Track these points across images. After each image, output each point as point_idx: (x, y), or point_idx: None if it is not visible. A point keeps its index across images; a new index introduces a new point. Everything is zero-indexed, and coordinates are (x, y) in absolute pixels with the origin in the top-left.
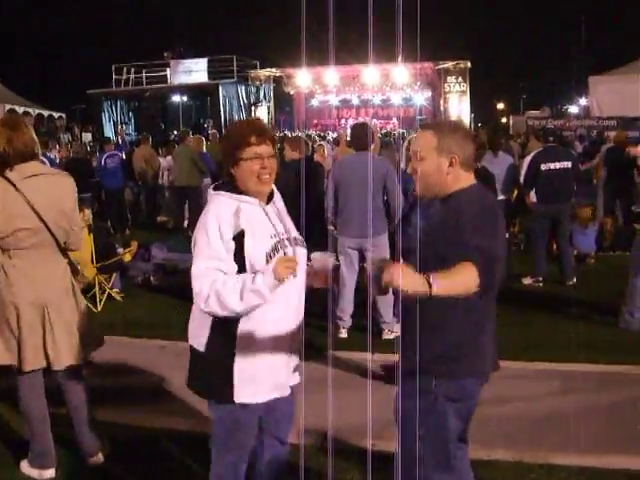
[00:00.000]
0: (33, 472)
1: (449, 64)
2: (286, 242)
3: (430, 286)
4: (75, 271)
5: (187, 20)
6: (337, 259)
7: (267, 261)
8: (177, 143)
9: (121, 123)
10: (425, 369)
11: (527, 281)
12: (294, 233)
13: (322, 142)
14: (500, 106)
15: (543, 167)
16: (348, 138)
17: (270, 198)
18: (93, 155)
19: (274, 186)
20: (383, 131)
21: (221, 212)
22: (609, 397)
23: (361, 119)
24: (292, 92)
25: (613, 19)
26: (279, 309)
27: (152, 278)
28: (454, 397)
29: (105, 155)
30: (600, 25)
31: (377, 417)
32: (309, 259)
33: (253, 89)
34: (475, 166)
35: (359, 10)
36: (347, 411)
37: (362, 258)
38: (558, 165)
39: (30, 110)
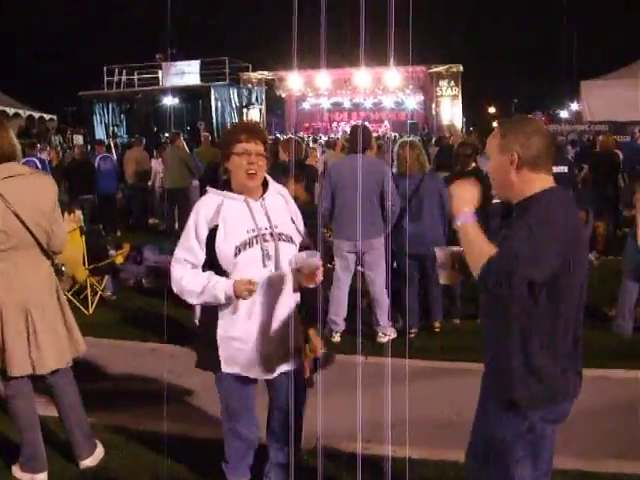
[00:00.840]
0: (25, 476)
1: (441, 68)
2: (268, 237)
3: (463, 219)
4: (59, 273)
5: (180, 22)
6: (331, 262)
7: (235, 254)
8: (168, 145)
9: (112, 125)
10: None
11: None
12: (282, 229)
13: (314, 145)
14: (492, 110)
15: None
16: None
17: (263, 194)
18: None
19: (273, 183)
20: (375, 135)
21: (202, 208)
22: (603, 401)
23: (353, 122)
24: (284, 95)
25: (606, 24)
26: (263, 293)
27: (144, 281)
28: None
29: (98, 157)
30: (593, 30)
31: (368, 420)
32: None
33: (245, 92)
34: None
35: (351, 13)
36: (338, 414)
37: (358, 261)
38: (555, 169)
39: (21, 111)
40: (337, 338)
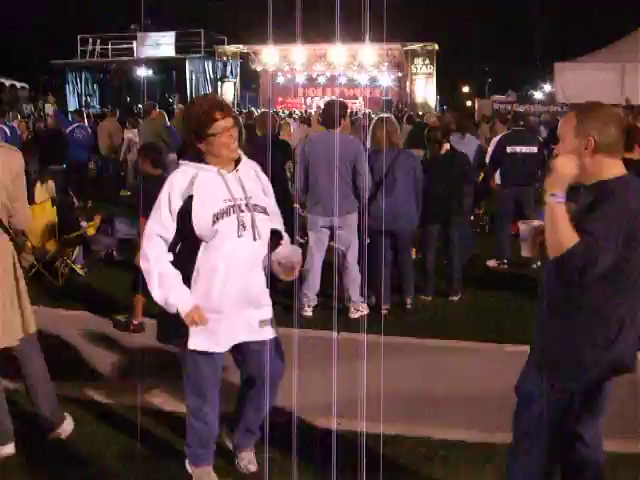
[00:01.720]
0: None
1: (416, 46)
2: (243, 207)
3: (555, 198)
4: (19, 249)
5: None
6: (304, 237)
7: (213, 222)
8: (142, 117)
9: (85, 95)
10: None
11: (492, 263)
12: (256, 200)
13: (288, 119)
14: (466, 89)
15: (509, 149)
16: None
17: (236, 165)
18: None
19: (241, 152)
20: (349, 111)
21: (175, 181)
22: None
23: (327, 98)
24: (259, 69)
25: (580, 7)
26: (238, 263)
27: (115, 253)
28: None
29: (74, 126)
30: (567, 12)
31: (340, 396)
32: (275, 246)
33: (220, 65)
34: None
35: None
36: (312, 389)
37: (331, 236)
38: (524, 149)
39: None
40: (309, 312)
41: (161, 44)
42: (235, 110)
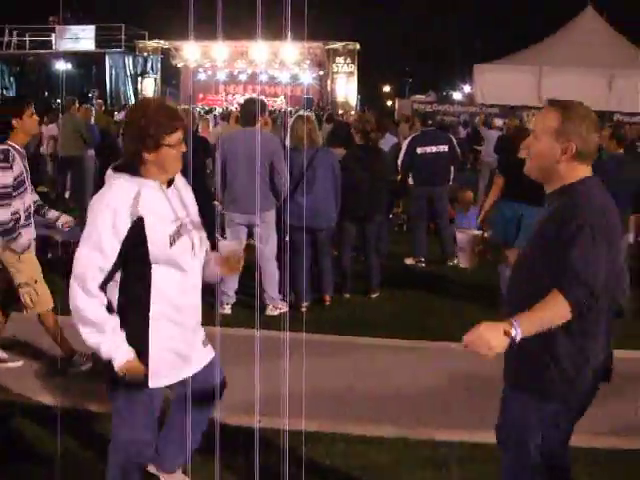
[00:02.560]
0: None
1: (338, 45)
2: (189, 226)
3: (513, 337)
4: None
5: None
6: (222, 234)
7: (170, 244)
8: (61, 112)
9: (1, 88)
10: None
11: (409, 261)
12: (194, 216)
13: (206, 116)
14: (387, 89)
15: (419, 150)
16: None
17: (171, 181)
18: None
19: None
20: (270, 109)
21: (118, 200)
22: (494, 374)
23: (248, 95)
24: (180, 65)
25: (499, 10)
26: (192, 286)
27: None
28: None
29: None
30: (487, 15)
31: (260, 393)
32: (214, 246)
33: (140, 60)
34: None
35: None
36: (231, 388)
37: (250, 234)
38: (434, 149)
39: None
40: (227, 310)
41: (81, 38)
42: None
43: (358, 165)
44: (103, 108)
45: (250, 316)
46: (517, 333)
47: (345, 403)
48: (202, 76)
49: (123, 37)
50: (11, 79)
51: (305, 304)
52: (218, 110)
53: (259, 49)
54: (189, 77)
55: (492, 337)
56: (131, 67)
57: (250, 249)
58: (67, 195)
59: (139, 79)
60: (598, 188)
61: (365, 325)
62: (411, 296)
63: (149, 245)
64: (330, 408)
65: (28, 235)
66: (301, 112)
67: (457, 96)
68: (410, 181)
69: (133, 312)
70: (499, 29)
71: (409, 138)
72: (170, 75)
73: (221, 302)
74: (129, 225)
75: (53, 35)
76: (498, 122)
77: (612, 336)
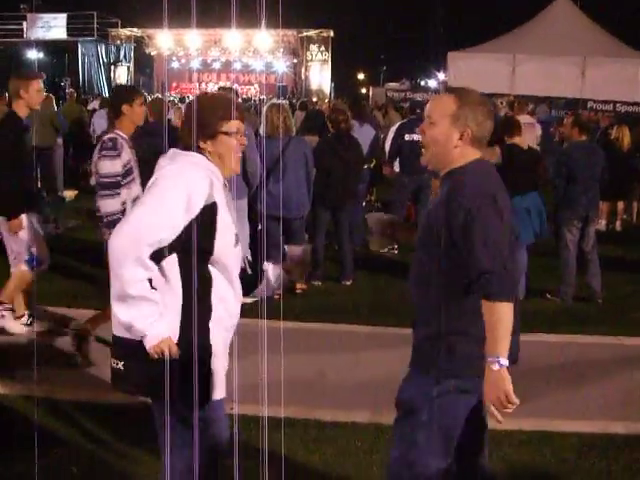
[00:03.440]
0: None
1: (312, 32)
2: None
3: (503, 367)
4: None
5: None
6: None
7: (235, 243)
8: None
9: None
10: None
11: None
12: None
13: (180, 104)
14: (360, 77)
15: (407, 138)
16: None
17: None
18: None
19: None
20: (244, 97)
21: (196, 175)
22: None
23: (222, 83)
24: (153, 53)
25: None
26: (237, 292)
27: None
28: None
29: None
30: (461, 2)
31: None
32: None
33: (113, 48)
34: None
35: None
36: None
37: None
38: (415, 137)
39: None
40: None
41: (52, 26)
42: None
43: (331, 153)
44: (75, 96)
45: None
46: (503, 363)
47: (319, 389)
48: (176, 64)
49: (95, 25)
50: None
51: (278, 292)
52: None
53: (233, 37)
54: (162, 65)
55: (500, 388)
56: (104, 56)
57: None
58: (39, 185)
59: (112, 68)
60: (487, 170)
61: (338, 312)
62: (384, 283)
63: (216, 237)
64: (303, 394)
65: None
66: (275, 100)
67: (431, 84)
68: (396, 168)
69: (191, 314)
70: (473, 16)
71: (396, 125)
72: (143, 64)
73: None
74: (201, 205)
75: (24, 23)
76: None
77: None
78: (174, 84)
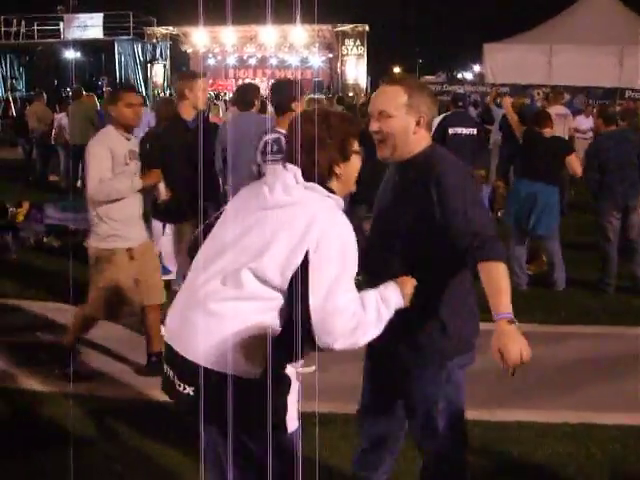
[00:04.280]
0: None
1: (347, 27)
2: None
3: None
4: None
5: None
6: None
7: None
8: (71, 100)
9: (11, 78)
10: (440, 349)
11: None
12: None
13: (216, 101)
14: (396, 70)
15: (451, 131)
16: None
17: None
18: None
19: None
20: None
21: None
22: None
23: (258, 80)
24: (189, 51)
25: None
26: None
27: (45, 239)
28: (466, 363)
29: None
30: None
31: None
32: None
33: (149, 47)
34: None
35: None
36: None
37: None
38: (465, 131)
39: None
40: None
41: (89, 26)
42: (166, 93)
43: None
44: None
45: None
46: (513, 319)
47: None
48: (212, 61)
49: (131, 24)
50: (21, 69)
51: None
52: (229, 95)
53: (268, 33)
54: (199, 62)
55: (518, 342)
56: (140, 54)
57: None
58: (79, 184)
59: (148, 66)
60: (446, 151)
61: None
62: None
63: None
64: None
65: None
66: (311, 95)
67: (467, 76)
68: None
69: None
70: (509, 7)
71: (439, 118)
72: (179, 61)
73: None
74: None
75: (61, 24)
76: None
77: None
78: (210, 81)
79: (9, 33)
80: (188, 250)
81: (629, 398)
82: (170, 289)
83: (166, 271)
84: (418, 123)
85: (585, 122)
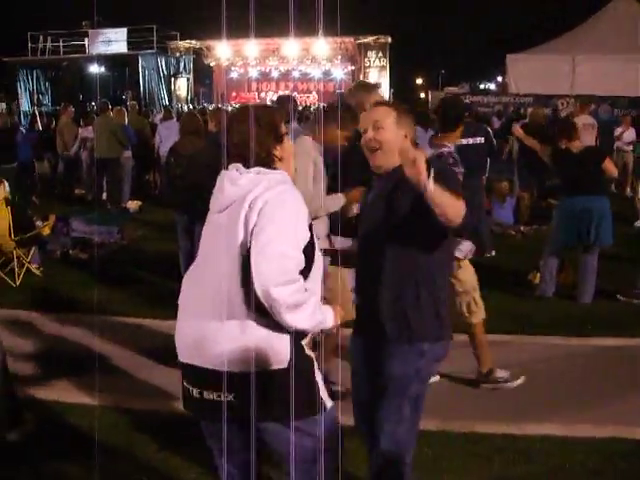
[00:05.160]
0: None
1: (369, 39)
2: None
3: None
4: None
5: None
6: None
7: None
8: (96, 114)
9: (37, 93)
10: (420, 333)
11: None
12: None
13: None
14: (419, 81)
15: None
16: None
17: None
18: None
19: None
20: (303, 105)
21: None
22: (529, 366)
23: (281, 92)
24: (212, 64)
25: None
26: None
27: (71, 252)
28: (439, 358)
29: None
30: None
31: None
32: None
33: (173, 61)
34: None
35: None
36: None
37: None
38: (471, 141)
39: None
40: None
41: (113, 41)
42: (189, 106)
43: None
44: (137, 109)
45: None
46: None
47: None
48: (234, 74)
49: (155, 38)
50: (47, 84)
51: None
52: None
53: (291, 46)
54: (222, 76)
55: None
56: (164, 68)
57: None
58: (104, 197)
59: (172, 80)
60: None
61: None
62: None
63: (315, 264)
64: None
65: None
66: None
67: (491, 87)
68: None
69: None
70: (532, 18)
71: None
72: (203, 74)
73: None
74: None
75: (86, 39)
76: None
77: None
78: (233, 94)
79: (35, 49)
80: None
81: None
82: None
83: None
84: (406, 136)
85: (628, 135)
